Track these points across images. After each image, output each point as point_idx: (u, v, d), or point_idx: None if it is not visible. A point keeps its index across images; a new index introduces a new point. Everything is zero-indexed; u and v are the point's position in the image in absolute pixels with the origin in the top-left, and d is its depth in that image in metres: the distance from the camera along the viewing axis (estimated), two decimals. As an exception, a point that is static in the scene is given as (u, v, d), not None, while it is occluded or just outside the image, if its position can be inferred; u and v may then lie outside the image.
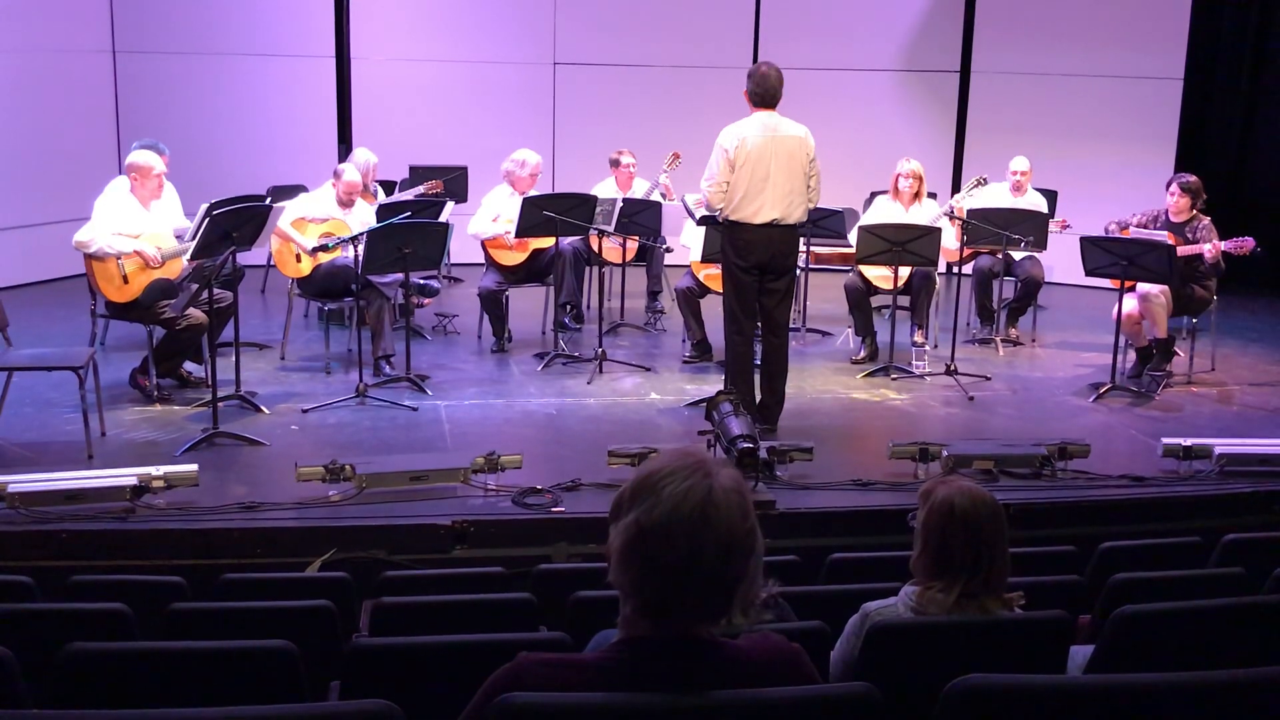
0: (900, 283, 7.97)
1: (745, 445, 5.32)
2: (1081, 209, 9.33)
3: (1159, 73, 10.82)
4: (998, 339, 8.73)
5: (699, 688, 1.99)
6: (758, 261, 6.41)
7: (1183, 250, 7.48)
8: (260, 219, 6.77)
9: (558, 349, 8.02)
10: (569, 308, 8.69)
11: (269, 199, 7.87)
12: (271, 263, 8.57)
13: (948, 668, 2.50)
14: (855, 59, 11.46)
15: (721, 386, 6.31)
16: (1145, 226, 7.80)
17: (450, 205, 8.68)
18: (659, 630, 2.00)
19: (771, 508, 5.37)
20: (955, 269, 8.60)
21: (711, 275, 7.75)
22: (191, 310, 6.67)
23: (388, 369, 7.42)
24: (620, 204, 8.41)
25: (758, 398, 6.57)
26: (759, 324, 6.63)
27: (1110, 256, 7.30)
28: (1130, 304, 7.52)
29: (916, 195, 8.40)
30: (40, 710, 2.94)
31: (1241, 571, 4.04)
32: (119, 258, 6.71)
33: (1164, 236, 7.52)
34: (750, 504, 2.00)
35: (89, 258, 6.74)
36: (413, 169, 10.01)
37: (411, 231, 7.13)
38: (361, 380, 7.00)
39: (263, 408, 6.73)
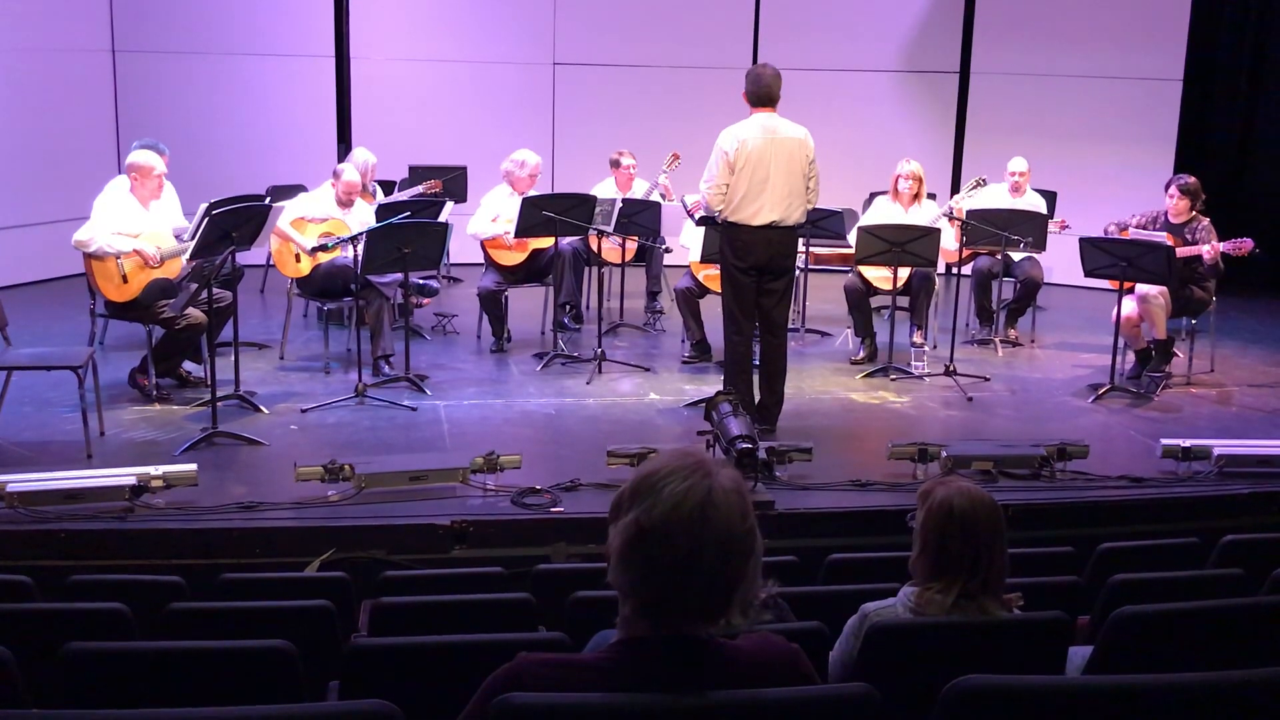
0: (899, 283, 7.97)
1: (744, 446, 5.32)
2: (1080, 210, 9.33)
3: (1158, 74, 10.82)
4: (997, 340, 8.74)
5: (698, 688, 1.99)
6: (756, 262, 6.41)
7: (1182, 251, 7.48)
8: (259, 219, 6.77)
9: (557, 349, 8.02)
10: (568, 308, 8.70)
11: (268, 199, 7.88)
12: (271, 262, 8.57)
13: (946, 668, 2.50)
14: (855, 59, 11.46)
15: (720, 387, 6.31)
16: (1144, 227, 7.80)
17: (449, 205, 8.69)
18: (658, 630, 2.00)
19: (770, 508, 5.38)
20: (954, 270, 8.61)
21: (711, 276, 7.75)
22: (191, 310, 6.67)
23: (387, 369, 7.42)
24: (620, 204, 8.41)
25: (757, 398, 6.57)
26: (757, 324, 6.63)
27: (1109, 257, 7.31)
28: (1129, 305, 7.52)
29: (916, 196, 8.40)
30: (39, 710, 2.94)
31: (1240, 572, 4.04)
32: (118, 257, 6.71)
33: (1163, 238, 7.52)
34: (749, 504, 2.00)
35: (88, 257, 6.74)
36: (412, 169, 10.01)
37: (411, 231, 7.14)
38: (361, 380, 7.00)
39: (262, 407, 6.73)
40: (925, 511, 3.14)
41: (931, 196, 8.78)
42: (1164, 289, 7.47)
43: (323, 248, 7.44)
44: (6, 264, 9.61)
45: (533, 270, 8.41)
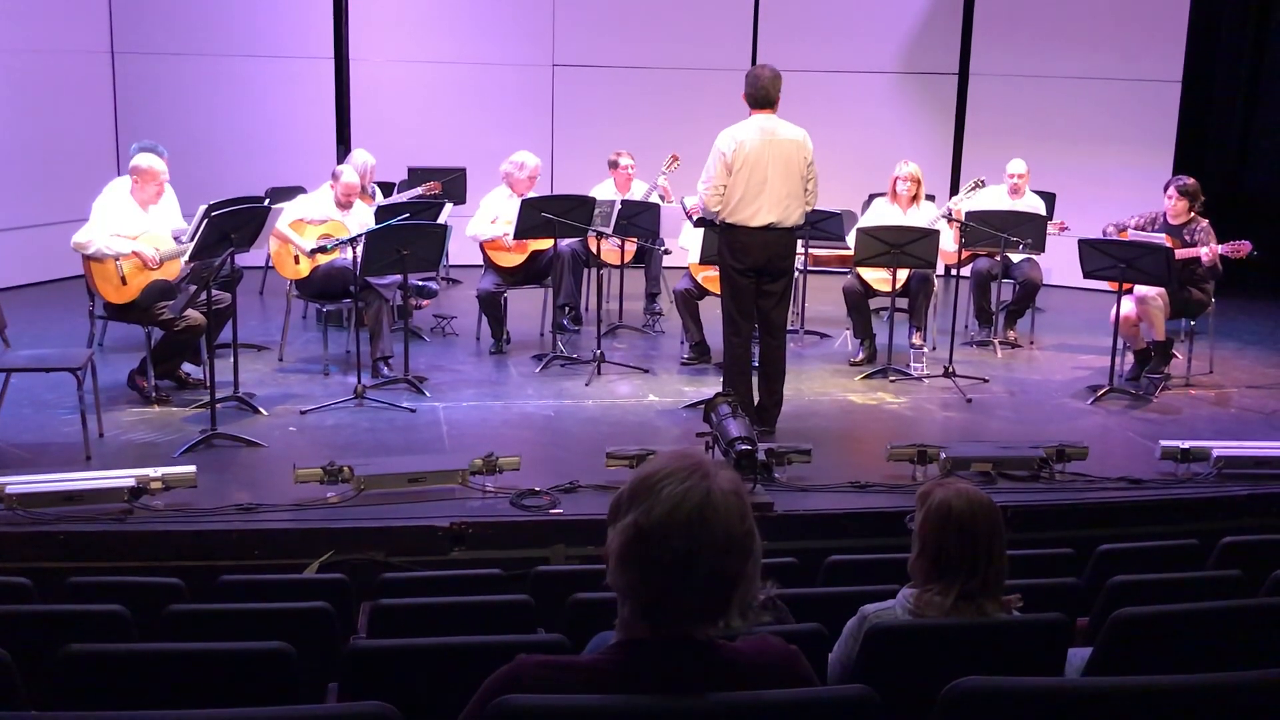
0: (898, 285, 7.97)
1: (743, 447, 5.33)
2: (1079, 211, 9.33)
3: (1157, 75, 10.83)
4: (996, 341, 8.74)
5: (696, 690, 1.99)
6: (754, 264, 6.41)
7: (1180, 253, 7.49)
8: (259, 220, 6.77)
9: (556, 351, 8.01)
10: (567, 309, 8.69)
11: (267, 200, 7.88)
12: (270, 264, 8.57)
13: (946, 670, 2.50)
14: (854, 61, 11.46)
15: (720, 388, 6.32)
16: (1143, 229, 7.80)
17: (449, 207, 8.69)
18: (657, 632, 2.00)
19: (770, 510, 5.37)
20: (953, 271, 8.61)
21: (710, 277, 7.75)
22: (190, 311, 6.67)
23: (386, 370, 7.41)
24: (619, 206, 8.41)
25: (756, 400, 6.57)
26: (756, 326, 6.63)
27: (1108, 259, 7.31)
28: (1128, 306, 7.52)
29: (915, 198, 8.40)
30: (38, 712, 2.94)
31: (1239, 574, 4.04)
32: (117, 259, 6.71)
33: (1162, 239, 7.52)
34: (748, 506, 2.00)
35: (87, 259, 6.74)
36: (411, 170, 10.02)
37: (410, 233, 7.14)
38: (360, 382, 6.99)
39: (261, 409, 6.73)
40: (924, 513, 3.14)
41: (930, 198, 8.79)
42: (1163, 290, 7.48)
43: (322, 249, 7.44)
44: (5, 266, 9.61)
45: (532, 272, 8.41)
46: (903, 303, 8.20)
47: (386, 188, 9.67)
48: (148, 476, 5.27)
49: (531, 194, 8.28)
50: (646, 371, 7.88)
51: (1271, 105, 11.38)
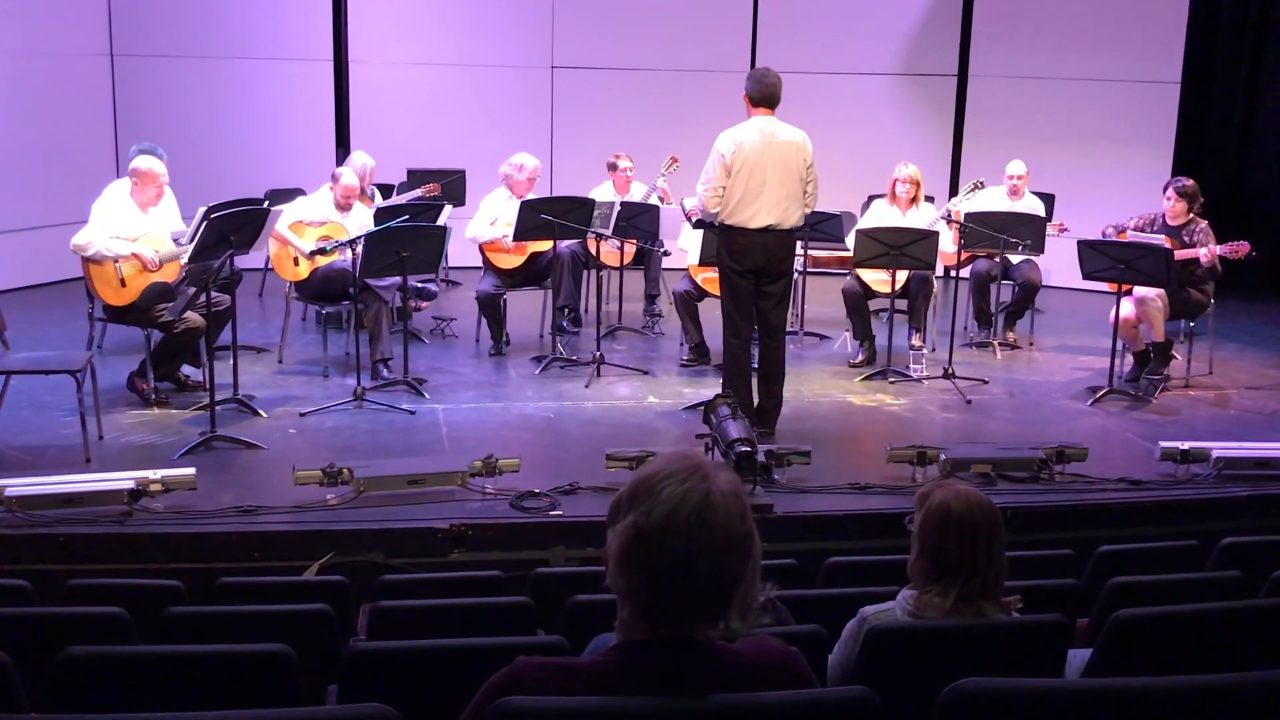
0: (898, 286, 7.97)
1: (743, 449, 5.33)
2: (1078, 213, 9.33)
3: (1156, 77, 10.84)
4: (995, 342, 8.74)
5: (696, 691, 1.99)
6: (754, 265, 6.41)
7: (1179, 254, 7.49)
8: (258, 222, 6.77)
9: (555, 352, 8.01)
10: (567, 311, 8.69)
11: (267, 202, 7.88)
12: (269, 266, 8.56)
13: (946, 671, 2.50)
14: (853, 62, 11.46)
15: (719, 390, 6.32)
16: (1142, 230, 7.80)
17: (448, 209, 8.69)
18: (656, 634, 2.00)
19: (769, 511, 5.37)
20: (953, 272, 8.61)
21: (709, 279, 7.75)
22: (189, 314, 6.66)
23: (385, 372, 7.41)
24: (618, 207, 8.41)
25: (755, 401, 6.57)
26: (756, 328, 6.63)
27: (1107, 260, 7.31)
28: (1127, 308, 7.52)
29: (914, 199, 8.40)
30: (38, 715, 2.94)
31: (1239, 575, 4.04)
32: (116, 261, 6.71)
33: (1161, 240, 7.52)
34: (748, 507, 2.01)
35: (87, 261, 6.74)
36: (410, 172, 10.02)
37: (409, 235, 7.14)
38: (359, 384, 6.99)
39: (260, 411, 6.73)
40: (923, 514, 3.14)
41: (929, 199, 8.79)
42: (1162, 292, 7.48)
43: (321, 251, 7.43)
44: (5, 268, 9.61)
45: (531, 273, 8.41)
46: (902, 304, 8.20)
47: (386, 190, 9.67)
48: (147, 479, 5.27)
49: (531, 196, 8.28)
50: (646, 373, 7.88)
51: (1270, 106, 11.38)
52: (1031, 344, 9.02)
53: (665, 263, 9.02)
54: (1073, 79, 10.91)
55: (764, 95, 6.40)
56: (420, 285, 8.02)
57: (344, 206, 7.87)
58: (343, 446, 6.26)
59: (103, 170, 9.73)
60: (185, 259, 6.71)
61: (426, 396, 7.17)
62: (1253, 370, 8.45)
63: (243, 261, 7.32)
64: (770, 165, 6.32)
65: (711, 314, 7.30)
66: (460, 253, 9.97)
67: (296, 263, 7.71)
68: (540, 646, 3.22)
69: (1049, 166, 9.95)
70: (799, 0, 11.40)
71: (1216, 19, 11.34)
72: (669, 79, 11.25)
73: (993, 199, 8.80)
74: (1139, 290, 7.48)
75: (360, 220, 7.84)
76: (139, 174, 6.93)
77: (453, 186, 9.76)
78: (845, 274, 8.47)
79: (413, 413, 6.87)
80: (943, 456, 5.87)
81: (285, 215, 7.63)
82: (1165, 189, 7.84)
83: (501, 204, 8.33)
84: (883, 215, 8.37)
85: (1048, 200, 9.53)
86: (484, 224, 8.31)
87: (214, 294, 6.55)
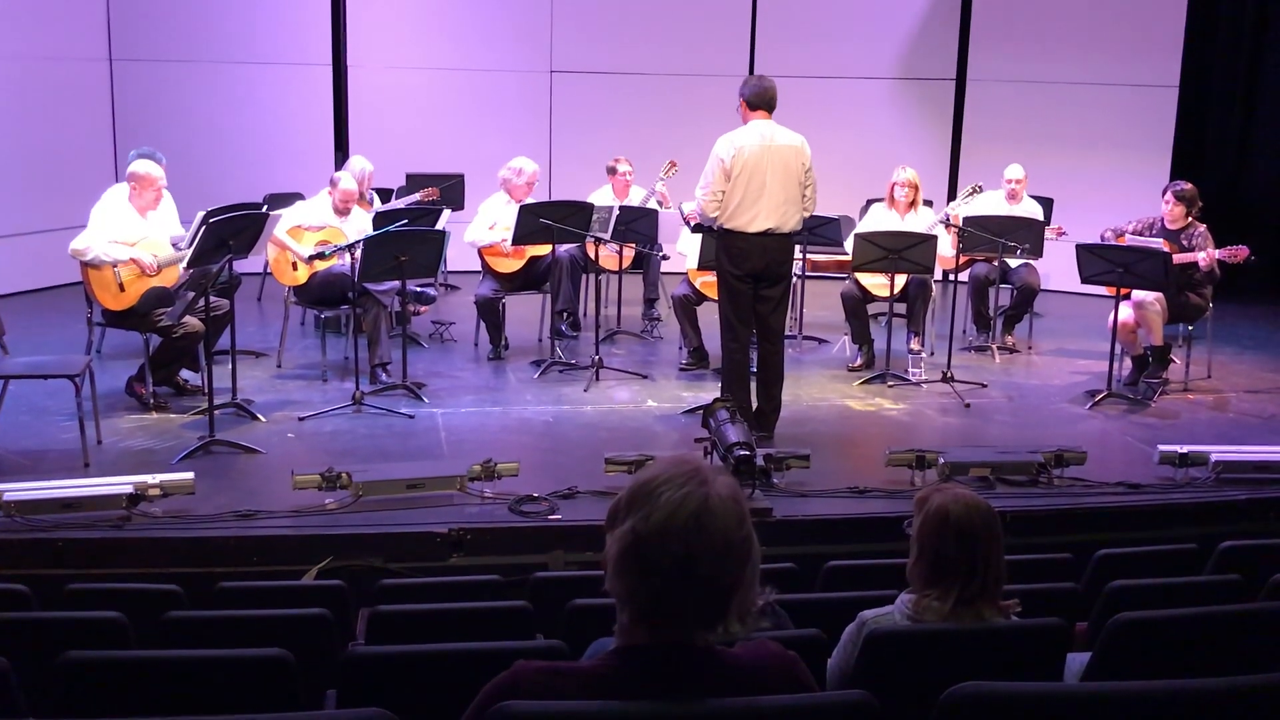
0: (896, 290, 7.97)
1: (742, 453, 5.33)
2: (1077, 216, 9.34)
3: (1155, 80, 10.85)
4: (994, 346, 8.74)
5: (695, 696, 1.99)
6: (752, 269, 6.42)
7: (1178, 258, 7.49)
8: (257, 227, 6.77)
9: (554, 356, 8.01)
10: (566, 315, 8.70)
11: (265, 207, 7.88)
12: (268, 270, 8.56)
13: (944, 675, 2.50)
14: (851, 66, 11.47)
15: (718, 394, 6.31)
16: (1140, 234, 7.81)
17: (447, 213, 8.68)
18: (655, 638, 2.00)
19: (768, 515, 5.37)
20: (951, 276, 8.62)
21: (708, 283, 7.75)
22: (188, 318, 6.67)
23: (384, 377, 7.41)
24: (617, 211, 8.42)
25: (754, 405, 6.57)
26: (755, 332, 6.63)
27: (1106, 264, 7.32)
28: (1126, 311, 7.53)
29: (912, 203, 8.41)
30: (37, 719, 2.94)
31: (1238, 578, 4.04)
32: (115, 266, 6.71)
33: (1159, 244, 7.53)
34: (746, 511, 2.01)
35: (85, 266, 6.74)
36: (409, 176, 10.02)
37: (408, 239, 7.14)
38: (358, 388, 6.99)
39: (259, 416, 6.73)
40: (922, 518, 3.14)
41: (928, 203, 8.79)
42: (1160, 295, 7.48)
43: (320, 256, 7.44)
44: (4, 272, 9.61)
45: (530, 278, 8.41)
46: (901, 308, 8.21)
47: (384, 194, 9.68)
48: (146, 483, 5.26)
49: (529, 200, 8.28)
50: (645, 377, 7.88)
51: (1268, 110, 11.39)
52: (1030, 348, 9.02)
53: (664, 267, 9.02)
54: (1071, 83, 10.92)
55: (764, 97, 6.41)
56: (419, 289, 8.02)
57: (343, 211, 7.88)
58: (341, 451, 6.26)
59: (101, 175, 9.73)
60: (184, 264, 6.70)
61: (425, 401, 7.17)
62: (1251, 374, 8.45)
63: (241, 266, 7.33)
64: (769, 169, 6.33)
65: (710, 318, 7.30)
66: (459, 257, 9.94)
67: (295, 267, 7.71)
68: (539, 651, 3.22)
69: (1047, 170, 9.96)
70: (797, 4, 11.41)
71: (1215, 23, 11.35)
72: (668, 83, 11.25)
73: (991, 203, 8.81)
74: (1137, 294, 7.49)
75: (359, 225, 7.85)
76: (137, 178, 6.94)
77: (451, 191, 9.76)
78: (844, 278, 8.47)
79: (411, 417, 6.87)
80: (941, 460, 5.87)
81: (284, 220, 7.62)
82: (1164, 193, 7.85)
83: (500, 208, 8.33)
84: (881, 219, 8.38)
85: (1046, 204, 9.54)
86: (483, 228, 8.32)
87: (213, 298, 6.55)
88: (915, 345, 8.25)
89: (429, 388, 7.42)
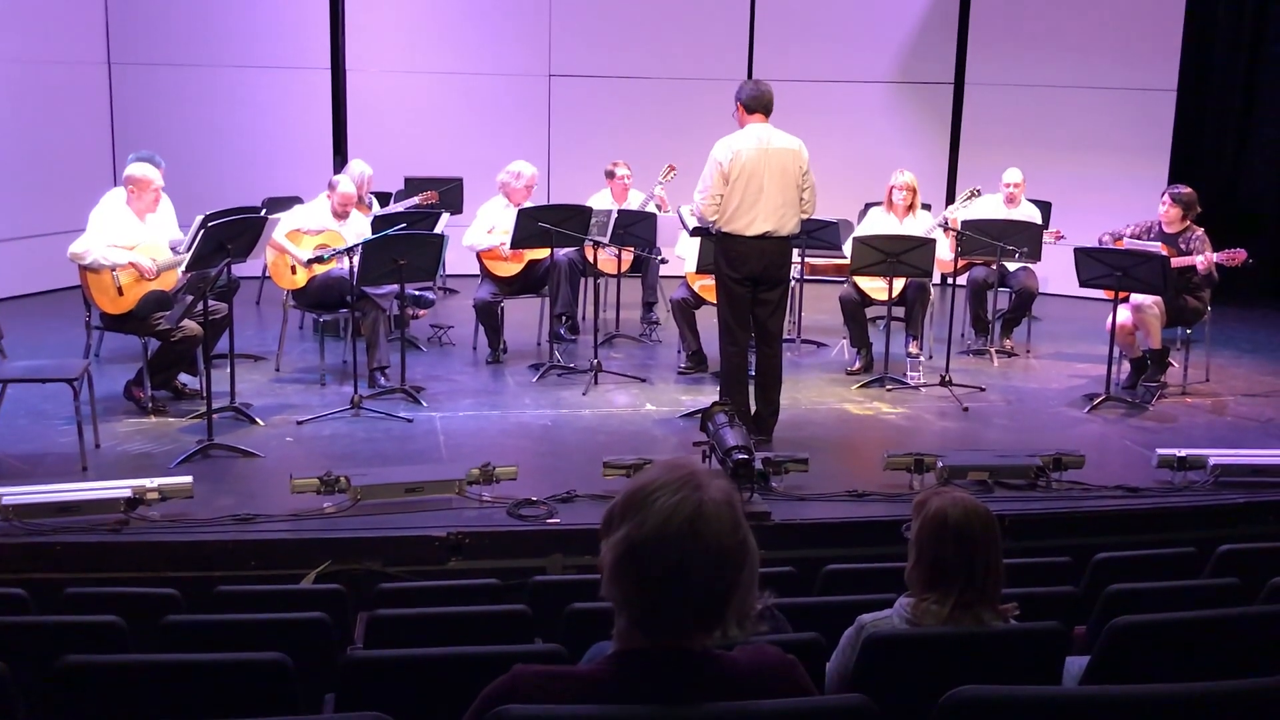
0: (895, 294, 7.97)
1: (741, 456, 5.33)
2: (1075, 220, 9.34)
3: (1153, 84, 10.86)
4: (992, 350, 8.74)
5: (693, 700, 1.98)
6: (750, 273, 6.42)
7: (1176, 261, 7.50)
8: (255, 230, 6.76)
9: (553, 360, 8.01)
10: (564, 319, 8.70)
11: (264, 210, 7.88)
12: (266, 274, 8.55)
13: (943, 679, 2.50)
14: (849, 70, 11.48)
15: (717, 398, 6.31)
16: (1139, 238, 7.81)
17: (445, 217, 8.69)
18: (653, 643, 2.00)
19: (767, 519, 5.37)
20: (950, 280, 8.62)
21: (707, 286, 7.75)
22: (186, 322, 6.67)
23: (383, 380, 7.41)
24: (615, 215, 8.42)
25: (752, 409, 6.57)
26: (753, 335, 6.63)
27: (1104, 267, 7.32)
28: (1124, 315, 7.53)
29: (910, 207, 8.41)
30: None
31: (1236, 582, 4.04)
32: (114, 269, 6.71)
33: (1157, 248, 7.53)
34: (741, 515, 2.00)
35: (84, 269, 6.73)
36: (408, 180, 10.02)
37: (406, 243, 7.14)
38: (356, 392, 6.99)
39: (257, 419, 6.72)
40: (920, 522, 3.14)
41: (926, 207, 8.80)
42: (1159, 299, 7.49)
43: (318, 259, 7.44)
44: (2, 276, 9.62)
45: (529, 281, 8.41)
46: (899, 312, 8.21)
47: (383, 198, 9.68)
48: (144, 487, 5.26)
49: (528, 204, 8.28)
50: (643, 381, 7.88)
51: (1266, 113, 11.40)
52: (1028, 351, 9.02)
53: (663, 270, 9.03)
54: (1069, 87, 10.94)
55: (759, 103, 6.42)
56: (417, 293, 8.02)
57: (341, 214, 7.88)
58: (340, 454, 6.26)
59: (100, 178, 9.72)
60: (183, 267, 6.70)
61: (424, 404, 7.16)
62: (1249, 377, 8.46)
63: (240, 269, 7.32)
64: (767, 172, 6.33)
65: (709, 321, 7.30)
66: (457, 260, 9.94)
67: (294, 271, 7.71)
68: (538, 655, 3.22)
69: (1046, 174, 9.97)
70: (795, 8, 11.41)
71: (1212, 26, 11.37)
72: (666, 87, 11.26)
73: (989, 207, 8.82)
74: (1136, 297, 7.49)
75: (357, 228, 7.84)
76: (134, 181, 6.93)
77: (450, 194, 9.76)
78: (842, 281, 8.48)
79: (410, 421, 6.87)
80: (940, 464, 5.87)
81: (283, 223, 7.63)
82: (1162, 196, 7.86)
83: (499, 212, 8.33)
84: (880, 223, 8.39)
85: (1044, 208, 9.55)
86: (481, 232, 8.32)
87: (211, 302, 6.55)
88: (914, 349, 8.26)
89: (427, 391, 7.42)
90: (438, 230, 8.04)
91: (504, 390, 7.71)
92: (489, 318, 8.30)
